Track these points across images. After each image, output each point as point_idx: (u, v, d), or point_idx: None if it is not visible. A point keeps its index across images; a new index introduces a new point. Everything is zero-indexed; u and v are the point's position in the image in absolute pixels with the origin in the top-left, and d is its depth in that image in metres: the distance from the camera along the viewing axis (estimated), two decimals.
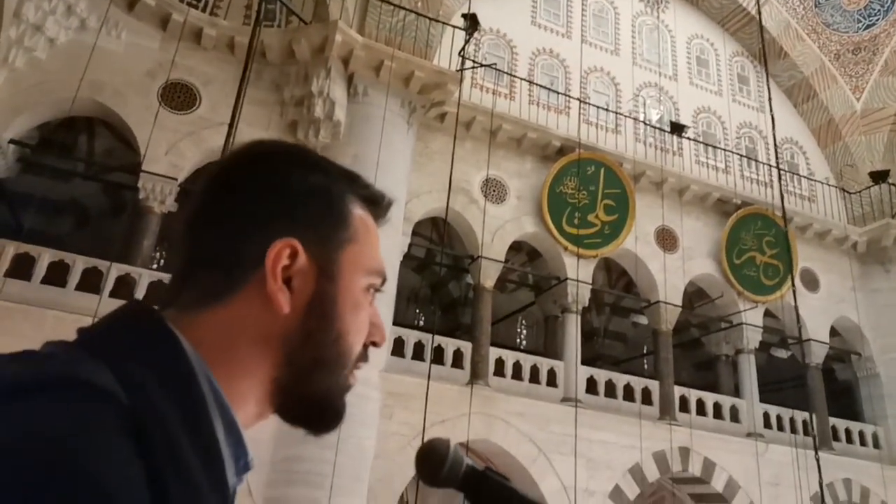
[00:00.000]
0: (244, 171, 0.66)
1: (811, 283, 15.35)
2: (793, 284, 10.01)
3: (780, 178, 10.06)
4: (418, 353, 11.25)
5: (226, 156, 0.68)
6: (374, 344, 0.69)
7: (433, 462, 0.72)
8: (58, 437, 0.42)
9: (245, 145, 0.68)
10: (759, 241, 14.80)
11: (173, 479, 0.47)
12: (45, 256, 9.33)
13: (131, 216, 11.18)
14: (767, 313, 14.92)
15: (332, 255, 0.64)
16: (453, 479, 0.72)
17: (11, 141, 10.18)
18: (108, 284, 9.25)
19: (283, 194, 0.64)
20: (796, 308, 9.19)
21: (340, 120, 11.13)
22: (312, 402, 0.64)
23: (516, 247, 13.86)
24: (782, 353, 15.05)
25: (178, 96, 11.01)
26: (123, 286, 9.48)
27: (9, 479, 0.39)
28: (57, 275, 9.27)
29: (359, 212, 0.68)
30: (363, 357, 0.68)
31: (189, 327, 0.58)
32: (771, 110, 8.36)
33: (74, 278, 9.33)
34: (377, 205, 0.72)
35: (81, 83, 9.36)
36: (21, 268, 9.06)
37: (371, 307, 0.68)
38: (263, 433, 8.80)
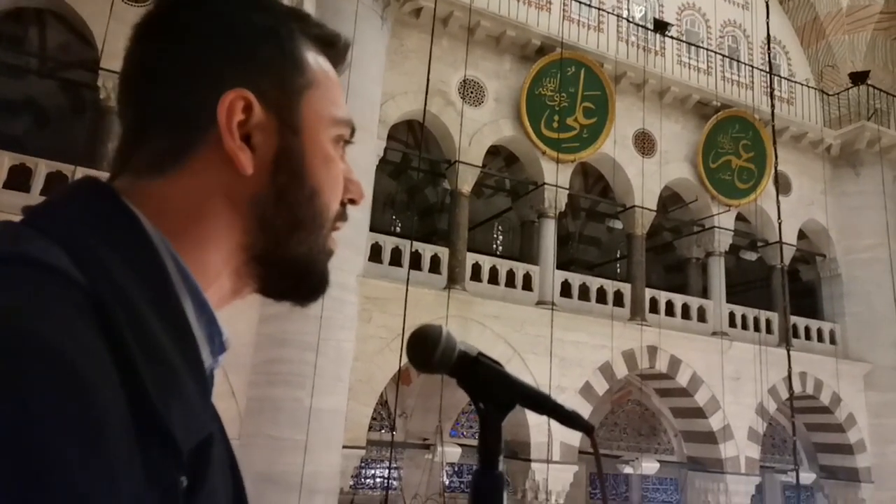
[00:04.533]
0: (179, 16, 0.57)
1: (784, 186, 15.52)
2: (776, 183, 10.10)
3: (770, 78, 9.89)
4: (395, 259, 11.30)
5: (156, 3, 0.58)
6: (352, 201, 0.64)
7: (426, 347, 0.70)
8: (12, 316, 0.37)
9: None
10: (735, 145, 14.79)
11: (144, 361, 0.43)
12: (5, 160, 8.95)
13: (92, 116, 10.68)
14: (739, 217, 15.18)
15: (292, 103, 0.58)
16: (445, 364, 0.70)
17: None
18: None
19: (226, 38, 0.56)
20: (779, 211, 9.33)
21: (309, 12, 10.48)
22: (294, 269, 0.59)
23: (494, 151, 13.68)
24: (751, 256, 15.45)
25: None
26: None
27: None
28: (20, 179, 8.93)
29: (313, 55, 0.61)
30: (341, 216, 0.63)
31: (145, 198, 0.53)
32: (767, 7, 8.07)
33: (38, 182, 9.01)
34: (333, 46, 0.64)
35: None
36: None
37: (344, 162, 0.62)
38: (245, 336, 8.92)
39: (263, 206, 0.56)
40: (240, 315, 8.68)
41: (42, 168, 9.11)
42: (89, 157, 9.68)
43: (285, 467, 8.41)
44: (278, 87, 0.57)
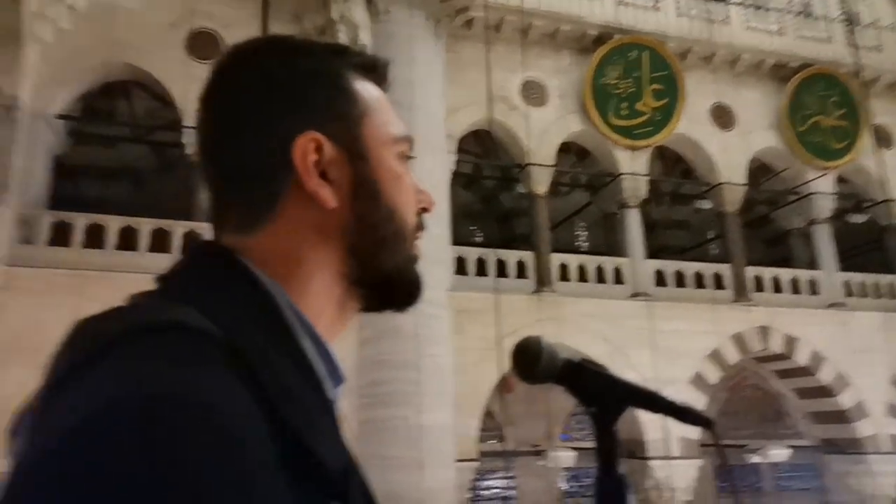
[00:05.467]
0: (233, 82, 0.62)
1: (885, 139, 14.40)
2: (875, 138, 9.35)
3: (851, 27, 9.23)
4: (481, 269, 11.29)
5: (211, 72, 0.63)
6: (425, 210, 0.67)
7: (528, 358, 0.72)
8: (170, 377, 0.42)
9: (223, 57, 0.63)
10: (823, 104, 13.90)
11: (283, 402, 0.46)
12: (114, 224, 9.67)
13: (183, 173, 11.38)
14: (839, 179, 14.20)
15: (354, 133, 0.61)
16: (550, 373, 0.72)
17: (59, 116, 10.37)
18: (176, 242, 9.57)
19: (282, 89, 0.60)
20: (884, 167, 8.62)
21: (366, 43, 10.79)
22: (388, 282, 0.63)
23: (565, 148, 13.47)
24: (859, 218, 14.38)
25: (204, 45, 10.88)
26: (191, 242, 9.77)
27: (133, 427, 0.39)
28: (128, 239, 9.62)
29: (360, 83, 0.64)
30: (420, 226, 0.66)
31: (252, 252, 0.57)
32: None
33: (144, 240, 9.66)
34: (375, 70, 0.67)
35: (109, 47, 9.36)
36: (94, 237, 9.44)
37: (409, 175, 0.66)
38: (346, 361, 9.10)
39: (350, 232, 0.60)
40: (338, 340, 8.90)
41: (145, 227, 9.78)
42: (183, 211, 10.30)
43: (402, 486, 8.49)
44: (338, 121, 0.61)
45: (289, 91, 0.60)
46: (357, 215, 0.60)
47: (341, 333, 0.63)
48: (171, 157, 13.40)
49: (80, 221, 9.50)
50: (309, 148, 0.58)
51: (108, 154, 13.44)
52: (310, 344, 0.56)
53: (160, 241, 9.64)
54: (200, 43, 10.86)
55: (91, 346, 0.45)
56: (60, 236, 9.31)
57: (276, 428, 0.44)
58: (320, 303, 0.59)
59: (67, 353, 0.47)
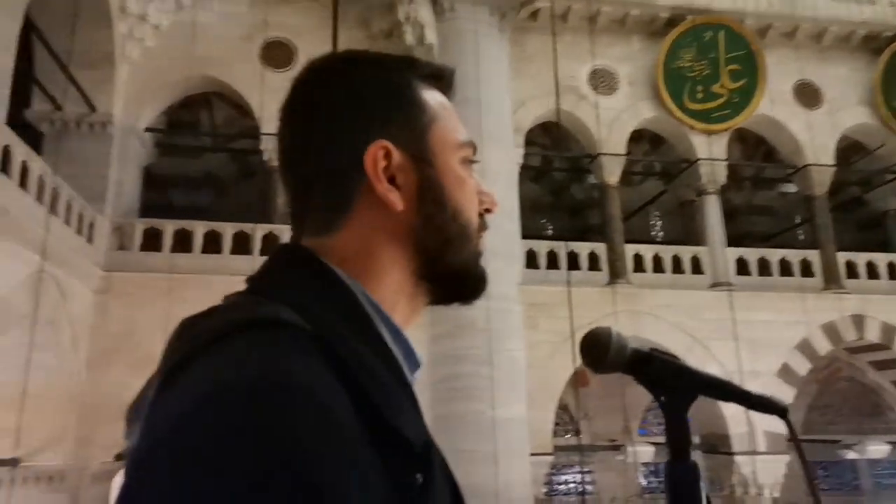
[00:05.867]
0: (310, 95, 0.67)
1: None
2: None
3: None
4: (552, 262, 11.20)
5: (290, 87, 0.69)
6: (488, 211, 0.71)
7: (598, 349, 0.73)
8: (269, 364, 0.47)
9: (300, 73, 0.69)
10: None
11: (371, 386, 0.51)
12: (199, 228, 10.25)
13: (261, 178, 11.89)
14: None
15: (421, 141, 0.66)
16: (620, 363, 0.73)
17: (147, 129, 11.07)
18: (256, 244, 10.03)
19: (354, 100, 0.65)
20: None
21: (432, 42, 10.90)
22: (455, 278, 0.68)
23: (636, 136, 13.14)
24: None
25: (277, 54, 11.32)
26: (270, 243, 10.23)
27: (239, 408, 0.44)
28: (213, 243, 10.18)
29: (428, 92, 0.69)
30: (483, 226, 0.70)
31: (331, 251, 0.62)
32: None
33: (227, 244, 10.19)
34: (441, 79, 0.72)
35: (190, 61, 9.91)
36: (182, 242, 10.05)
37: (473, 178, 0.70)
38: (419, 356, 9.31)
39: (417, 233, 0.64)
40: (411, 337, 9.09)
41: (228, 230, 10.30)
42: (263, 215, 10.78)
43: (479, 479, 8.58)
44: (407, 130, 0.65)
45: (361, 102, 0.65)
46: (424, 217, 0.64)
47: (414, 323, 0.67)
48: (251, 164, 14.02)
49: (169, 228, 10.13)
50: (379, 155, 0.63)
51: (192, 163, 14.21)
52: (387, 332, 0.60)
53: (242, 244, 10.13)
54: (274, 52, 11.32)
55: (198, 341, 0.51)
56: (152, 242, 9.97)
57: (362, 408, 0.49)
58: (394, 296, 0.64)
59: (176, 347, 0.53)
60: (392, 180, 0.63)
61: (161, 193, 13.26)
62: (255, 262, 8.62)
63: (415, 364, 0.63)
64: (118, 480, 8.67)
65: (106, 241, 9.73)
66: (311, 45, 11.19)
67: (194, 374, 0.48)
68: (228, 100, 12.38)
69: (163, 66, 10.74)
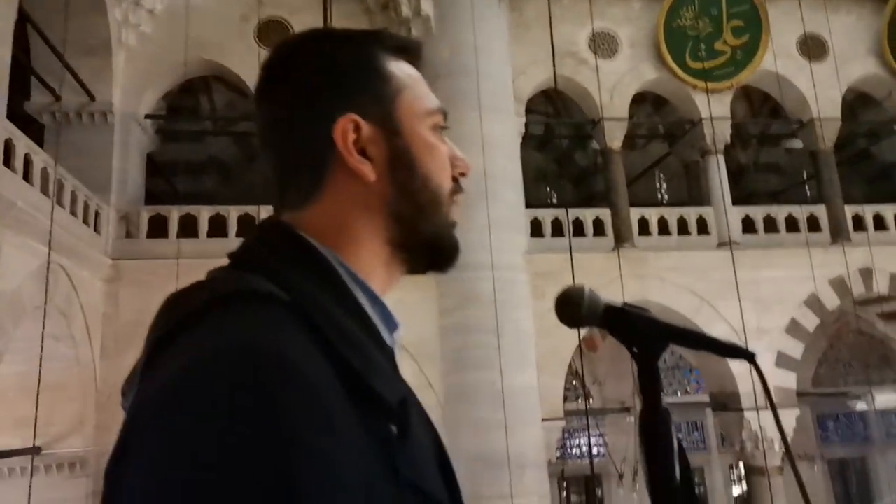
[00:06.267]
0: (279, 75, 0.69)
1: None
2: None
3: None
4: (557, 230, 11.20)
5: (260, 69, 0.71)
6: (462, 174, 0.73)
7: (571, 305, 0.75)
8: (247, 334, 0.50)
9: (270, 53, 0.71)
10: None
11: (345, 348, 0.54)
12: (205, 213, 10.34)
13: (263, 161, 11.89)
14: None
15: (388, 111, 0.68)
16: (593, 318, 0.75)
17: (147, 116, 11.08)
18: None
19: (322, 76, 0.67)
20: None
21: (429, 13, 10.76)
22: (428, 246, 0.70)
23: (639, 99, 12.99)
24: None
25: (274, 34, 11.23)
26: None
27: (221, 375, 0.47)
28: (218, 227, 10.27)
29: (394, 63, 0.70)
30: (457, 189, 0.72)
31: (307, 225, 0.65)
32: None
33: (233, 227, 10.28)
34: (407, 51, 0.73)
35: (187, 45, 9.86)
36: (188, 227, 10.14)
37: (445, 144, 0.72)
38: (429, 329, 9.44)
39: (390, 202, 0.67)
40: (420, 310, 9.21)
41: (233, 214, 10.38)
42: (268, 197, 10.78)
43: (491, 446, 8.76)
44: (374, 101, 0.67)
45: (328, 78, 0.67)
46: (396, 185, 0.66)
47: (392, 289, 0.70)
48: (253, 147, 14.02)
49: (175, 214, 10.22)
50: (348, 128, 0.65)
51: (195, 148, 14.24)
52: (365, 298, 0.64)
53: (247, 227, 10.21)
54: (271, 32, 11.23)
55: (180, 316, 0.54)
56: (158, 229, 10.07)
57: (339, 370, 0.52)
58: (370, 264, 0.66)
59: (161, 323, 0.56)
60: (363, 152, 0.66)
61: (165, 180, 13.34)
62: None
63: (393, 325, 0.66)
64: None
65: (113, 229, 9.84)
66: (308, 23, 11.07)
67: (176, 349, 0.51)
68: (228, 82, 12.34)
69: (160, 52, 10.70)
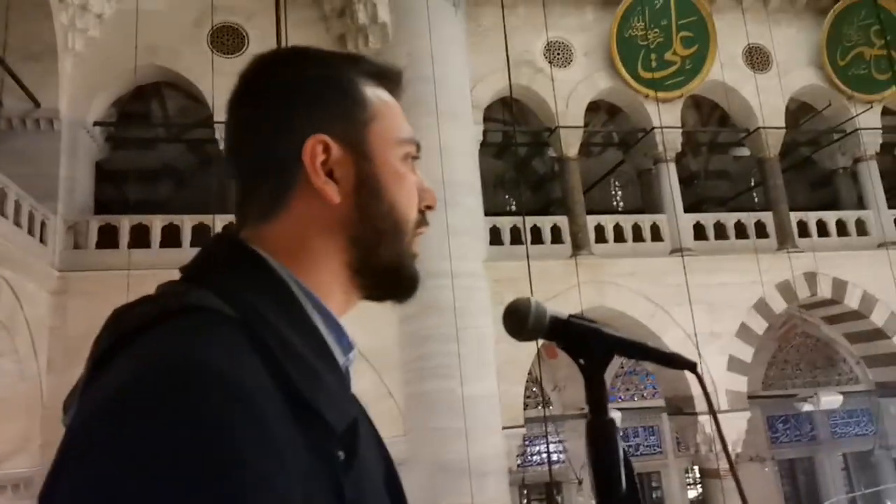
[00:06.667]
0: (255, 89, 0.69)
1: None
2: None
3: None
4: (516, 238, 11.30)
5: (237, 80, 0.70)
6: (429, 208, 0.73)
7: (517, 317, 0.76)
8: (186, 351, 0.49)
9: (247, 65, 0.70)
10: (865, 34, 13.22)
11: (292, 368, 0.53)
12: (157, 223, 10.07)
13: (219, 168, 11.69)
14: (886, 111, 13.57)
15: (361, 136, 0.67)
16: (540, 330, 0.76)
17: (96, 123, 10.75)
18: None
19: (297, 95, 0.67)
20: None
21: (386, 21, 10.77)
22: (387, 274, 0.69)
23: (594, 107, 13.25)
24: None
25: (228, 39, 11.08)
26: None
27: (155, 394, 0.46)
28: (172, 236, 10.01)
29: (371, 90, 0.70)
30: (422, 222, 0.72)
31: (264, 241, 0.65)
32: None
33: (187, 236, 10.03)
34: (386, 77, 0.73)
35: (138, 50, 9.61)
36: (140, 237, 9.86)
37: (415, 175, 0.71)
38: (388, 338, 9.38)
39: (352, 226, 0.66)
40: (380, 319, 9.14)
41: (187, 223, 10.14)
42: (222, 205, 10.62)
43: (452, 455, 8.74)
44: (347, 125, 0.67)
45: (303, 97, 0.67)
46: (359, 209, 0.66)
47: (348, 311, 0.69)
48: (208, 153, 13.76)
49: (126, 223, 9.93)
50: (317, 150, 0.65)
51: (147, 156, 13.88)
52: (319, 318, 0.63)
53: (202, 236, 9.98)
54: (225, 37, 11.07)
55: (125, 329, 0.53)
56: (108, 239, 9.76)
57: (286, 390, 0.51)
58: (328, 285, 0.66)
59: (105, 338, 0.55)
60: (331, 174, 0.65)
61: (116, 189, 12.96)
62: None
63: (347, 346, 0.66)
64: None
65: (60, 240, 9.50)
66: (263, 29, 10.93)
67: (118, 363, 0.50)
68: (180, 89, 12.08)
69: (109, 57, 10.40)
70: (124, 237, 9.81)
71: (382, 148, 0.68)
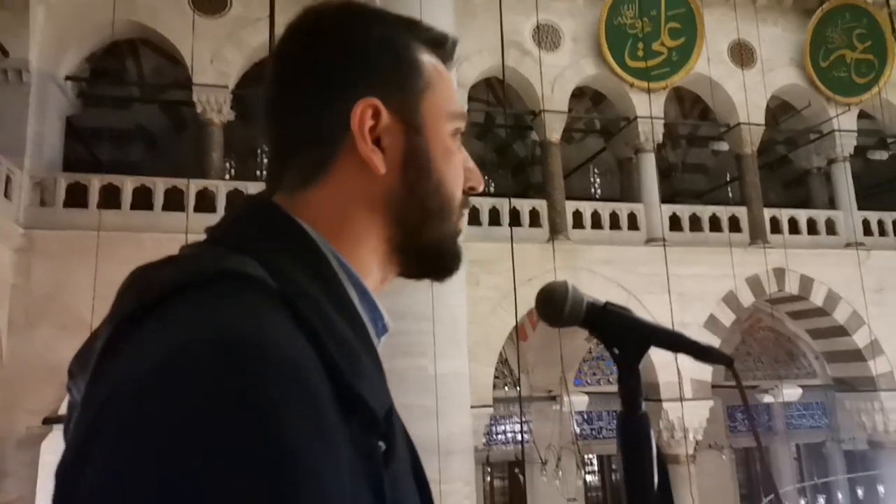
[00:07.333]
0: (306, 41, 0.64)
1: None
2: None
3: None
4: (494, 219, 11.31)
5: (284, 32, 0.65)
6: (472, 188, 0.68)
7: (555, 303, 0.73)
8: (240, 321, 0.44)
9: (298, 16, 0.65)
10: (848, 37, 13.38)
11: (334, 347, 0.48)
12: (128, 184, 9.79)
13: (194, 131, 11.41)
14: (861, 115, 13.81)
15: (413, 105, 0.63)
16: (576, 318, 0.73)
17: (67, 77, 10.38)
18: (190, 200, 9.67)
19: (350, 54, 0.62)
20: None
21: (419, 19, 10.53)
22: (429, 253, 0.66)
23: (578, 93, 13.23)
24: (881, 155, 14.05)
25: (210, 1, 10.72)
26: (204, 199, 9.88)
27: (211, 366, 0.41)
28: (143, 199, 9.76)
29: (427, 57, 0.66)
30: (465, 203, 0.68)
31: (302, 209, 0.60)
32: None
33: (159, 200, 9.79)
34: (442, 47, 0.69)
35: (115, 4, 9.27)
36: (110, 198, 9.59)
37: (462, 152, 0.67)
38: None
39: (397, 201, 0.62)
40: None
41: (160, 186, 9.88)
42: (198, 170, 10.38)
43: (421, 432, 8.75)
44: (400, 91, 0.62)
45: (356, 57, 0.62)
46: (406, 185, 0.62)
47: (384, 289, 0.66)
48: (183, 117, 13.41)
49: (96, 182, 9.65)
50: (367, 114, 0.60)
51: (120, 115, 13.47)
52: (355, 295, 0.58)
53: (175, 200, 9.76)
54: None
55: (155, 291, 0.47)
56: (77, 198, 9.48)
57: (328, 373, 0.46)
58: (367, 261, 0.62)
59: (129, 297, 0.49)
60: (377, 142, 0.61)
61: (86, 147, 12.57)
62: (189, 219, 8.33)
63: (382, 329, 0.62)
64: (47, 444, 8.45)
65: (26, 196, 9.20)
66: None
67: (156, 330, 0.45)
68: (157, 48, 11.71)
69: (85, 10, 10.01)
70: (94, 197, 9.53)
71: (435, 120, 0.64)
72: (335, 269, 0.58)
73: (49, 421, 8.29)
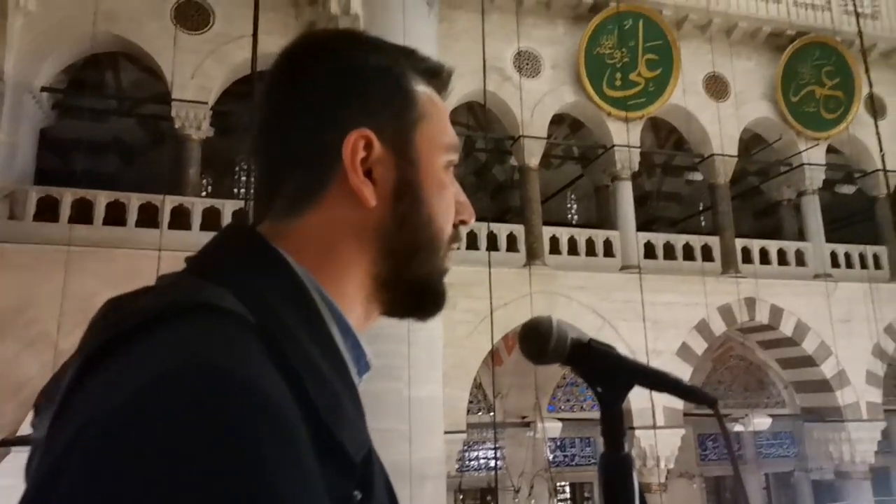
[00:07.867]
0: (301, 69, 0.62)
1: (878, 109, 14.35)
2: (873, 107, 9.36)
3: None
4: (472, 243, 11.32)
5: (279, 55, 0.64)
6: (463, 222, 0.67)
7: (539, 339, 0.71)
8: (215, 355, 0.43)
9: (295, 41, 0.64)
10: (817, 73, 13.81)
11: (313, 387, 0.47)
12: (102, 199, 9.62)
13: (172, 146, 11.29)
14: (830, 149, 14.21)
15: (407, 137, 0.62)
16: (560, 354, 0.71)
17: (43, 88, 10.22)
18: (165, 217, 9.53)
19: (346, 82, 0.61)
20: (879, 137, 8.64)
21: (358, 13, 10.61)
22: (415, 290, 0.64)
23: (557, 120, 13.40)
24: (848, 189, 14.43)
25: (192, 15, 10.69)
26: (179, 216, 9.75)
27: (185, 400, 0.40)
28: (116, 214, 9.59)
29: (422, 87, 0.64)
30: (455, 237, 0.66)
31: (286, 239, 0.58)
32: None
33: (133, 215, 9.63)
34: (438, 77, 0.67)
35: (96, 17, 9.19)
36: (82, 212, 9.41)
37: (454, 185, 0.66)
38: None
39: (386, 233, 0.60)
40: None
41: (134, 201, 9.73)
42: (174, 185, 10.25)
43: (394, 457, 8.67)
44: (394, 122, 0.61)
45: (350, 85, 0.61)
46: (396, 217, 0.60)
47: (365, 329, 0.63)
48: (161, 131, 13.28)
49: (68, 196, 9.46)
50: (359, 145, 0.59)
51: (96, 128, 13.29)
52: (337, 330, 0.56)
53: (149, 216, 9.61)
54: (189, 13, 10.68)
55: (130, 322, 0.46)
56: (48, 211, 9.28)
57: (305, 412, 0.45)
58: (351, 297, 0.60)
59: (102, 327, 0.48)
60: (369, 173, 0.59)
61: (60, 159, 12.36)
62: (164, 236, 8.21)
63: (365, 366, 0.60)
64: (7, 465, 8.15)
65: None
66: (229, 8, 10.62)
67: (131, 360, 0.43)
68: (137, 61, 11.61)
69: (64, 21, 9.91)
70: (66, 211, 9.34)
71: (428, 152, 0.63)
72: (318, 305, 0.56)
73: (7, 443, 8.01)
